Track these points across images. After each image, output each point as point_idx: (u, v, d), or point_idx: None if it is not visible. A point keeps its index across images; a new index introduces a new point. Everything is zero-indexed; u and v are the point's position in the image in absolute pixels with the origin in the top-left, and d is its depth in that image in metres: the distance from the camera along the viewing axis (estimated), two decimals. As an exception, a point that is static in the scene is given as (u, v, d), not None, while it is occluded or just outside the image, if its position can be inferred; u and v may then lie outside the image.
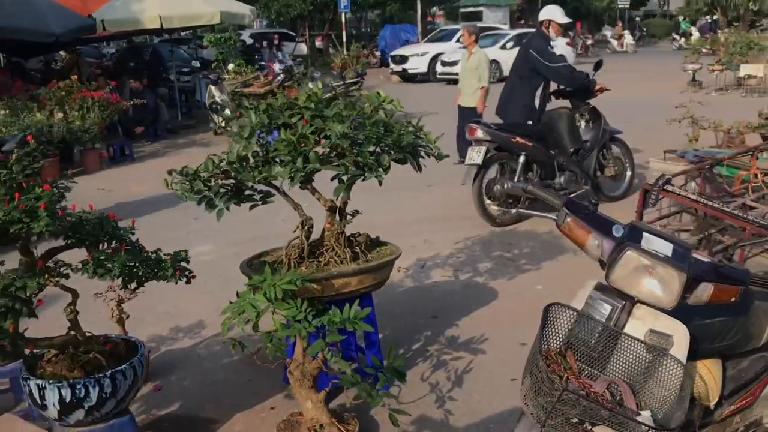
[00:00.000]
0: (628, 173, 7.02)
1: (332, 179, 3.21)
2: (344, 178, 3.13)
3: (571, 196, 6.15)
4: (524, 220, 6.40)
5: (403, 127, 3.31)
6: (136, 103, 11.17)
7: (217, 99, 12.68)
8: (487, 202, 6.13)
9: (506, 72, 21.41)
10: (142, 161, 11.05)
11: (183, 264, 3.07)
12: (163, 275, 2.90)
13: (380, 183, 3.19)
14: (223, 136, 12.81)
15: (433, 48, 23.74)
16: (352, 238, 3.52)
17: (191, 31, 20.97)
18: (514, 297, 4.69)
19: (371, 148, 3.15)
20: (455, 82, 21.13)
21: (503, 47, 21.89)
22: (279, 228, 6.71)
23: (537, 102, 6.63)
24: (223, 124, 12.78)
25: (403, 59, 23.37)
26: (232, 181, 3.23)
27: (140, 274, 2.88)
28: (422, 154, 3.39)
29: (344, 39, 24.08)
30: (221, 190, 3.21)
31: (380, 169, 3.16)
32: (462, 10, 34.15)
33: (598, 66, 6.82)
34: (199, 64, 15.42)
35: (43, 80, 13.20)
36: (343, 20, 26.13)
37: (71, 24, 12.27)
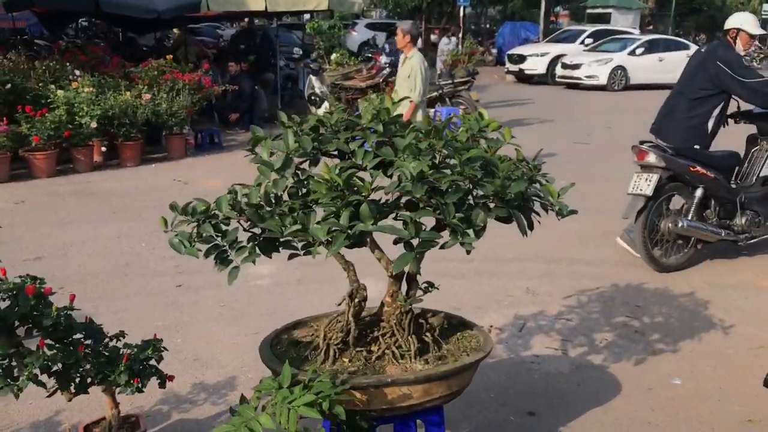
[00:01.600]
0: None
1: (395, 243, 2.15)
2: (413, 242, 2.06)
3: (754, 241, 4.48)
4: (690, 265, 5.30)
5: (512, 167, 2.21)
6: (228, 89, 10.47)
7: (317, 90, 11.86)
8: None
9: (633, 80, 19.91)
10: (230, 150, 10.38)
11: (153, 363, 2.08)
12: (113, 381, 1.92)
13: (468, 252, 2.11)
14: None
15: (555, 49, 22.20)
16: (422, 320, 2.45)
17: (305, 16, 20.47)
18: (643, 395, 3.48)
19: (456, 198, 2.07)
20: (576, 86, 19.93)
21: (632, 53, 20.10)
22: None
23: (710, 124, 5.30)
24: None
25: (521, 59, 21.97)
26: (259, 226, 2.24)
27: (78, 376, 1.92)
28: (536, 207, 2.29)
29: (461, 34, 22.90)
30: (240, 240, 2.22)
31: (470, 233, 2.07)
32: (589, 10, 32.09)
33: None
34: (301, 52, 14.69)
35: (155, 57, 12.91)
36: (462, 14, 24.93)
37: (174, 1, 11.79)
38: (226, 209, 2.17)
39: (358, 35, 25.52)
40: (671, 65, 20.30)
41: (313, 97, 11.99)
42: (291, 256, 2.31)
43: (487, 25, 38.29)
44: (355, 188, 2.02)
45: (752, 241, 5.33)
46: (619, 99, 17.61)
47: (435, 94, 11.28)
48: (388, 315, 2.40)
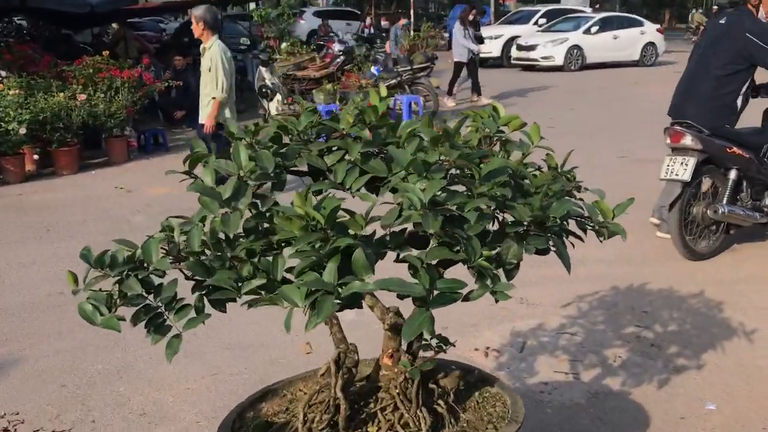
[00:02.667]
0: None
1: (403, 298, 1.55)
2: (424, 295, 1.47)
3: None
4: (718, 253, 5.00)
5: (548, 180, 1.64)
6: (172, 84, 9.70)
7: (268, 82, 11.14)
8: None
9: (590, 59, 19.58)
10: (177, 152, 9.61)
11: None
12: None
13: (497, 300, 1.54)
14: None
15: (508, 31, 21.80)
16: (433, 385, 1.86)
17: (251, 5, 19.62)
18: (676, 428, 2.96)
19: (481, 229, 1.49)
20: (532, 68, 19.50)
21: (587, 32, 19.78)
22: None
23: (740, 102, 4.84)
24: (274, 111, 11.27)
25: (480, 41, 21.44)
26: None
27: None
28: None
29: (412, 19, 22.32)
30: (181, 297, 1.61)
31: (501, 279, 1.50)
32: (538, -10, 31.84)
33: None
34: (249, 42, 13.91)
35: (92, 54, 12.00)
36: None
37: (108, -7, 10.95)
38: (157, 259, 1.54)
39: (306, 23, 24.73)
40: (625, 43, 20.13)
41: (264, 90, 11.27)
42: (252, 305, 1.70)
43: (437, 10, 37.77)
44: (342, 225, 1.41)
45: None
46: (578, 79, 17.26)
47: (393, 81, 10.69)
48: (388, 381, 1.82)
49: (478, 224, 1.47)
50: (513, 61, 20.14)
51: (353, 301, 1.42)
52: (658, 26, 22.33)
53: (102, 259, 1.58)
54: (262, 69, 11.32)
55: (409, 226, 1.54)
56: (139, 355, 3.75)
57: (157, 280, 1.66)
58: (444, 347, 1.78)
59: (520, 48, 19.89)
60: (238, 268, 1.55)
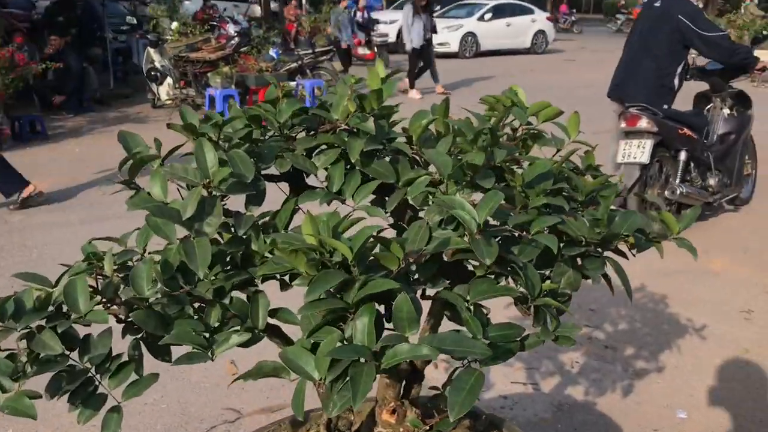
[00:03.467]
0: (753, 171, 5.70)
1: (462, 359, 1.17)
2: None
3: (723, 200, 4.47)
4: None
5: (598, 185, 1.30)
6: (50, 67, 8.76)
7: (157, 64, 10.37)
8: None
9: (483, 46, 19.70)
10: (57, 140, 8.74)
11: None
12: None
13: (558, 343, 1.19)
14: (164, 110, 10.53)
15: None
16: None
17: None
18: (653, 441, 2.75)
19: (536, 252, 1.13)
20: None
21: (481, 18, 19.88)
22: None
23: (676, 82, 4.98)
24: (164, 96, 10.49)
25: (374, 22, 21.12)
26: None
27: None
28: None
29: (304, 0, 21.69)
30: (113, 359, 1.16)
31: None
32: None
33: (756, 41, 5.86)
34: (135, 21, 12.95)
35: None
36: (304, -20, 23.66)
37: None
38: (87, 305, 1.08)
39: (191, 4, 23.51)
40: (518, 30, 20.41)
41: (153, 73, 10.48)
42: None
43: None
44: (371, 257, 1.00)
45: (722, 200, 5.27)
46: (474, 66, 17.28)
47: (294, 65, 10.17)
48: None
49: (531, 247, 1.10)
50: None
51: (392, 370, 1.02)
52: (548, 14, 22.85)
53: (3, 307, 1.10)
54: (151, 50, 10.52)
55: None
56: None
57: (81, 330, 1.20)
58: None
59: (415, 33, 19.70)
60: (205, 313, 1.12)
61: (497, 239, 1.10)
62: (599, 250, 1.23)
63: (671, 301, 3.96)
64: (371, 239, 0.98)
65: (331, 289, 0.97)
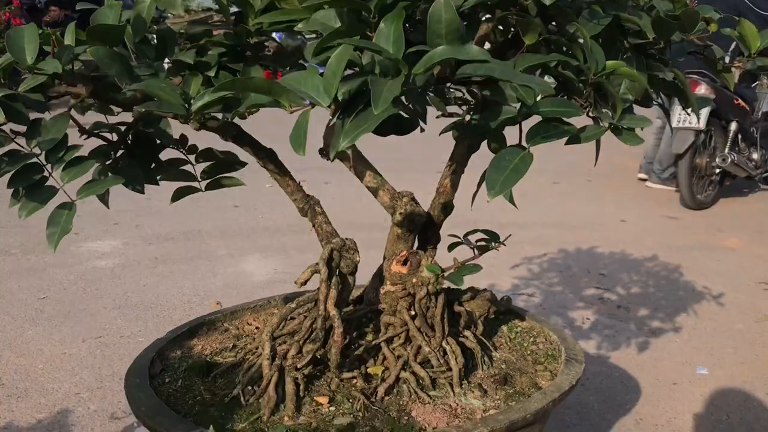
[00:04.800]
0: None
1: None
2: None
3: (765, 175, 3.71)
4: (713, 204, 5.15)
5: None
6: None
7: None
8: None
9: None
10: (53, 110, 8.46)
11: None
12: None
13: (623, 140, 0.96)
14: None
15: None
16: (459, 308, 1.27)
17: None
18: (671, 394, 2.52)
19: (600, 28, 0.90)
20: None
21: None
22: (231, 217, 4.43)
23: (727, 58, 4.80)
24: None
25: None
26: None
27: None
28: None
29: None
30: (67, 148, 0.93)
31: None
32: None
33: None
34: None
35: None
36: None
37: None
38: (34, 52, 0.86)
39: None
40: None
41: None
42: (179, 195, 1.06)
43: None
44: None
45: (763, 175, 5.33)
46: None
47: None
48: (394, 302, 1.21)
49: (593, 24, 0.88)
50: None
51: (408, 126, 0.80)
52: None
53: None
54: (152, 28, 10.32)
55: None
56: (-2, 314, 2.93)
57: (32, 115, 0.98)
58: (494, 245, 1.18)
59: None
60: (184, 83, 0.90)
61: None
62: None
63: (686, 271, 3.74)
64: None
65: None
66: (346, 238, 1.15)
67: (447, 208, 1.24)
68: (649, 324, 3.09)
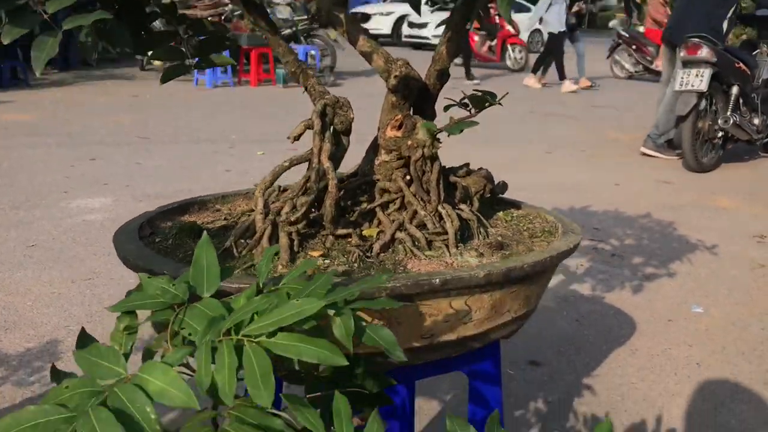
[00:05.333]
0: None
1: None
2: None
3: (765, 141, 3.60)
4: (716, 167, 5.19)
5: None
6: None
7: (148, 24, 10.08)
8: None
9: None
10: (39, 88, 8.41)
11: None
12: None
13: None
14: (153, 72, 10.26)
15: (400, 8, 21.38)
16: (456, 179, 1.25)
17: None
18: (666, 329, 2.51)
19: None
20: (423, 47, 19.23)
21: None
22: (222, 180, 4.39)
23: (725, 26, 5.14)
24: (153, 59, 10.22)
25: (365, 18, 20.94)
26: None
27: None
28: None
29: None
30: None
31: None
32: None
33: None
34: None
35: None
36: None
37: None
38: None
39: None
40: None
41: (143, 34, 10.19)
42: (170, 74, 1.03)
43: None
44: None
45: (764, 140, 5.40)
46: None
47: (288, 31, 9.93)
48: (389, 171, 1.18)
49: None
50: (404, 39, 19.77)
51: None
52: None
53: None
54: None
55: None
56: (-14, 259, 2.89)
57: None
58: (491, 100, 1.16)
59: (411, 26, 19.54)
60: None
61: None
62: None
63: (679, 227, 3.73)
64: None
65: None
66: (340, 97, 1.12)
67: (443, 75, 1.21)
68: (643, 270, 3.08)
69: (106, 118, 6.35)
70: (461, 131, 1.10)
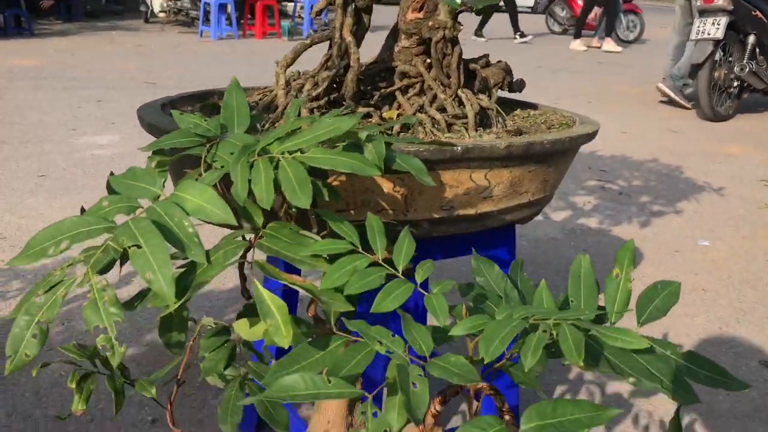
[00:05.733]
0: None
1: None
2: None
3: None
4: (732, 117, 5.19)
5: None
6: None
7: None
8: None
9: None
10: (42, 37, 8.35)
11: None
12: None
13: None
14: (158, 24, 10.18)
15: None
16: (474, 66, 1.26)
17: None
18: (674, 260, 2.54)
19: None
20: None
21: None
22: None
23: None
24: (156, 9, 10.13)
25: None
26: None
27: None
28: None
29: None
30: None
31: None
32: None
33: None
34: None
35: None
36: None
37: None
38: None
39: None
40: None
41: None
42: None
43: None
44: None
45: None
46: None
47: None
48: (409, 57, 1.19)
49: None
50: None
51: None
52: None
53: None
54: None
55: None
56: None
57: None
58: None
59: None
60: None
61: None
62: None
63: (687, 170, 3.74)
64: None
65: None
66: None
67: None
68: (650, 208, 3.09)
69: (112, 64, 6.33)
70: (482, 8, 1.10)
